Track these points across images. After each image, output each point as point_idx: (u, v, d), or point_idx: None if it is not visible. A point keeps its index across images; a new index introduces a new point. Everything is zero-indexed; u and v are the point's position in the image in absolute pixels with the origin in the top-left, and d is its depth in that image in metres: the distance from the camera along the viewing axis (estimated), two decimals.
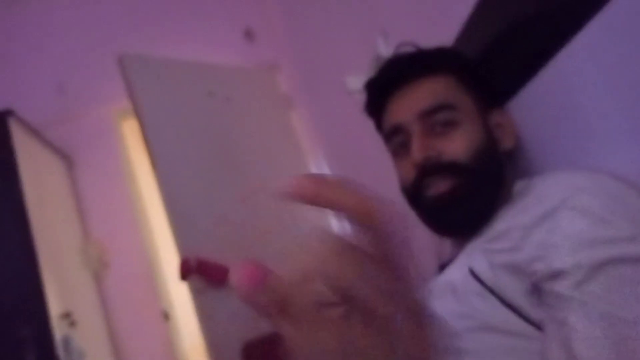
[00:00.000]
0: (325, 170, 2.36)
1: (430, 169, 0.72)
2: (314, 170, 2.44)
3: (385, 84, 0.80)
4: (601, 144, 0.65)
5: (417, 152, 0.72)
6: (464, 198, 0.70)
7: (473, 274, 0.63)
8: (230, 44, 2.86)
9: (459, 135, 0.72)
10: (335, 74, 1.79)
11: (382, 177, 1.01)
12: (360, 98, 0.88)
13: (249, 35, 2.85)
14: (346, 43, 1.65)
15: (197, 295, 1.76)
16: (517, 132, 0.79)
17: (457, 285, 0.65)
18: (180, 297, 2.49)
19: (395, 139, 0.77)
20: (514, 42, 0.77)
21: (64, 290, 2.13)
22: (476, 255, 0.65)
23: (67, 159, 2.64)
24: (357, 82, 1.32)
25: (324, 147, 2.35)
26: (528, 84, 0.75)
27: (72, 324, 2.07)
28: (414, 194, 0.76)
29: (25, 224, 1.99)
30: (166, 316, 2.49)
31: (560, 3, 0.65)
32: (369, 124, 0.88)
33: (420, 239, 0.90)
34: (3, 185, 2.02)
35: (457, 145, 0.72)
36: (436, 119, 0.73)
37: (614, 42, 0.57)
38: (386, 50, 1.21)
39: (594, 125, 0.65)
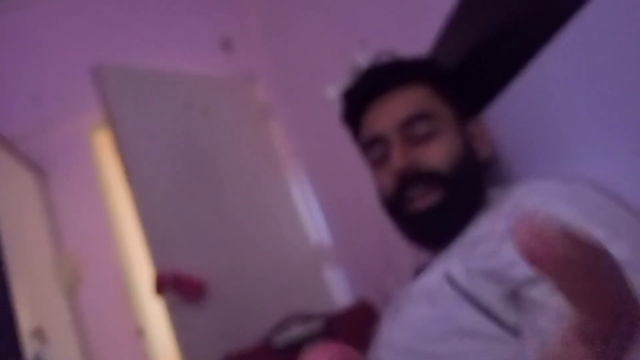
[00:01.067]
0: (303, 180, 2.35)
1: (410, 178, 0.72)
2: (291, 182, 2.43)
3: (363, 94, 0.80)
4: (576, 151, 0.65)
5: (398, 160, 0.72)
6: (445, 210, 0.71)
7: (448, 278, 0.62)
8: (207, 54, 2.83)
9: (438, 144, 0.73)
10: (314, 84, 1.79)
11: (361, 188, 1.00)
12: (339, 108, 0.87)
13: (226, 45, 2.83)
14: (324, 52, 1.65)
15: (172, 310, 1.72)
16: (493, 141, 0.79)
17: (432, 290, 0.65)
18: (154, 312, 2.43)
19: (374, 148, 0.77)
20: (489, 51, 0.77)
21: (35, 305, 2.07)
22: (452, 260, 0.64)
23: (40, 171, 2.57)
24: (335, 91, 1.32)
25: (303, 158, 2.34)
26: (503, 92, 0.75)
27: (44, 340, 2.00)
28: (394, 204, 0.75)
29: None
30: (141, 332, 2.43)
31: (532, 13, 0.65)
32: (348, 134, 0.88)
33: (398, 244, 0.89)
34: None
35: (436, 155, 0.72)
36: (415, 129, 0.73)
37: (587, 51, 0.57)
38: (364, 60, 1.21)
39: (568, 133, 0.65)
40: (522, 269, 0.53)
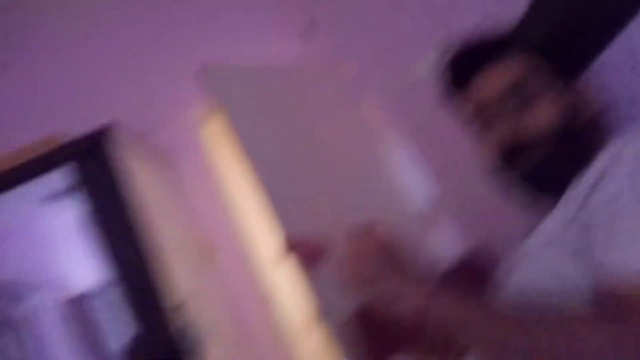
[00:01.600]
0: (401, 151, 2.44)
1: (514, 146, 0.78)
2: (389, 152, 2.53)
3: (463, 67, 0.86)
4: None
5: (502, 130, 0.79)
6: (556, 159, 0.76)
7: (570, 221, 0.67)
8: (294, 38, 2.96)
9: (541, 111, 0.78)
10: (403, 59, 1.85)
11: (461, 153, 1.05)
12: (429, 82, 0.94)
13: (311, 26, 2.94)
14: (409, 29, 1.70)
15: (299, 273, 1.89)
16: (597, 101, 0.82)
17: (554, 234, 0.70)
18: (282, 280, 2.67)
19: (478, 116, 0.84)
20: (585, 14, 0.81)
21: (179, 280, 2.37)
22: (570, 206, 0.69)
23: (165, 163, 2.88)
24: (426, 66, 1.37)
25: (397, 130, 2.42)
26: (603, 55, 0.79)
27: (188, 312, 2.29)
28: (502, 170, 0.82)
29: (141, 219, 2.27)
30: (268, 299, 2.68)
31: None
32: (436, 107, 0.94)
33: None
34: (118, 195, 2.29)
35: (540, 121, 0.77)
36: (517, 97, 0.79)
37: None
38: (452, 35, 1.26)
39: None
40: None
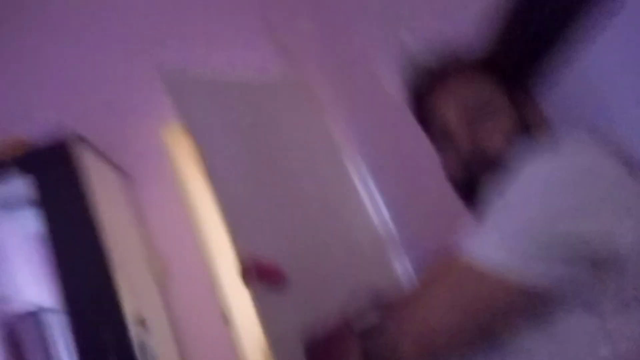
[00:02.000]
0: (365, 169, 2.43)
1: (474, 160, 0.80)
2: (355, 171, 2.51)
3: (425, 84, 0.88)
4: (619, 115, 0.69)
5: (461, 145, 0.81)
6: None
7: None
8: (262, 53, 2.96)
9: (497, 127, 0.81)
10: (370, 72, 1.85)
11: (421, 168, 1.06)
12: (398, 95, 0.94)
13: (279, 42, 2.95)
14: (375, 40, 1.71)
15: (256, 296, 1.85)
16: (547, 118, 0.85)
17: None
18: (239, 301, 2.60)
19: (440, 134, 0.85)
20: (542, 36, 0.82)
21: (135, 299, 2.28)
22: None
23: (126, 175, 2.81)
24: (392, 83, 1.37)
25: (364, 147, 2.42)
26: (557, 77, 0.80)
27: (145, 329, 2.21)
28: (461, 183, 0.84)
29: (99, 238, 2.18)
30: (226, 320, 2.61)
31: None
32: (402, 117, 0.94)
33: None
34: (77, 206, 2.20)
35: (496, 137, 0.80)
36: (475, 114, 0.81)
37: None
38: (414, 44, 1.26)
39: (613, 99, 0.70)
40: None
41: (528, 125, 0.81)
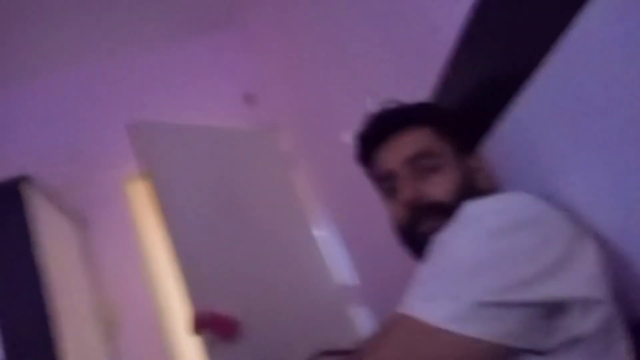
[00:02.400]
0: (328, 224, 2.45)
1: (418, 208, 0.82)
2: (317, 225, 2.53)
3: (374, 136, 0.91)
4: (559, 177, 0.74)
5: (407, 193, 0.83)
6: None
7: None
8: (230, 107, 3.01)
9: (441, 178, 0.83)
10: (332, 131, 1.92)
11: (383, 228, 1.08)
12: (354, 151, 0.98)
13: (248, 98, 3.02)
14: (341, 102, 1.79)
15: (209, 349, 1.80)
16: (492, 172, 0.89)
17: None
18: (191, 352, 2.51)
19: (385, 183, 0.88)
20: (481, 94, 0.89)
21: (80, 348, 2.17)
22: None
23: (80, 221, 2.74)
24: (351, 137, 1.43)
25: (327, 202, 2.45)
26: (496, 129, 0.86)
27: None
28: (405, 231, 0.85)
29: (43, 287, 2.07)
30: None
31: (513, 59, 0.77)
32: (363, 177, 0.98)
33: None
34: (22, 249, 2.11)
35: (440, 187, 0.82)
36: (420, 165, 0.84)
37: (564, 86, 0.68)
38: (374, 107, 1.33)
39: (549, 158, 0.75)
40: None
41: (471, 179, 0.84)
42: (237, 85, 3.04)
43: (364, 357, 0.63)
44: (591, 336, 0.58)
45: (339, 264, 2.43)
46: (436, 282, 0.62)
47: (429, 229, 0.80)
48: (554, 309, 0.58)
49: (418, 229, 0.82)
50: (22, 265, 2.11)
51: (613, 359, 0.61)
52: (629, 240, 0.65)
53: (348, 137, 1.54)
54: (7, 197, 2.20)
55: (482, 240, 0.62)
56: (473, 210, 0.67)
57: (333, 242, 2.44)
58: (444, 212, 0.79)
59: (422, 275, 0.66)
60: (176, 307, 2.59)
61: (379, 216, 1.32)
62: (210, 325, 1.80)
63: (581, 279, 0.59)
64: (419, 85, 1.09)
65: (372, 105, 1.37)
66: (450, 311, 0.57)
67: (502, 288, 0.57)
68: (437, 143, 0.85)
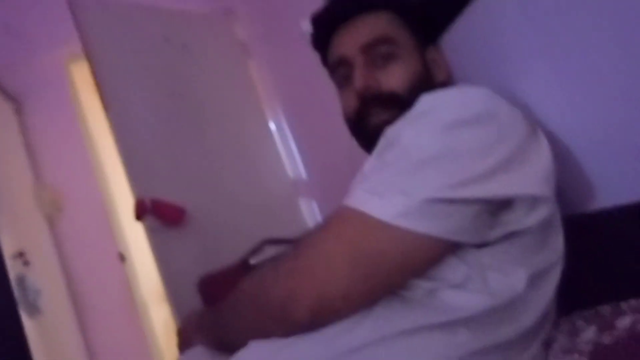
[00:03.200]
0: (281, 117, 2.41)
1: (370, 98, 0.78)
2: (269, 118, 2.48)
3: (330, 20, 0.85)
4: (517, 69, 0.72)
5: (359, 81, 0.78)
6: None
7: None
8: None
9: (398, 67, 0.79)
10: (292, 20, 1.82)
11: (335, 124, 1.06)
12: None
13: None
14: None
15: (153, 235, 1.80)
16: (449, 67, 0.86)
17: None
18: (136, 238, 2.52)
19: (339, 71, 0.84)
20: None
21: (17, 231, 2.14)
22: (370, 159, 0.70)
23: (17, 102, 2.58)
24: (310, 24, 1.36)
25: (281, 95, 2.39)
26: (457, 21, 0.81)
27: (26, 263, 2.09)
28: (356, 121, 0.82)
29: None
30: (122, 257, 2.53)
31: None
32: (324, 72, 0.93)
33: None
34: None
35: (396, 77, 0.78)
36: (377, 52, 0.79)
37: None
38: None
39: (512, 53, 0.73)
40: None
41: (428, 71, 0.81)
42: None
43: (306, 249, 0.59)
44: (531, 230, 0.59)
45: (290, 158, 2.42)
46: (385, 176, 0.58)
47: (380, 121, 0.76)
48: (501, 205, 0.57)
49: (369, 120, 0.79)
50: None
51: (548, 251, 0.61)
52: (575, 139, 0.65)
53: (306, 26, 1.47)
54: None
55: (435, 134, 0.58)
56: (428, 102, 0.63)
57: (285, 135, 2.41)
58: (397, 103, 0.77)
59: (370, 168, 0.63)
60: (121, 193, 2.56)
61: (331, 114, 1.29)
62: (153, 211, 1.79)
63: (533, 176, 0.58)
64: None
65: None
66: (399, 206, 0.54)
67: (453, 184, 0.55)
68: (397, 30, 0.80)
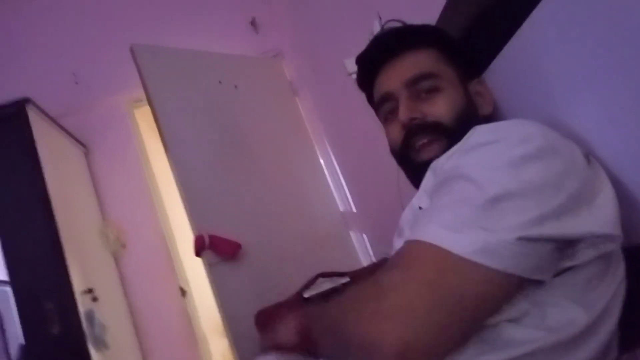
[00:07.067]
0: (329, 152, 2.46)
1: (415, 129, 0.80)
2: (318, 154, 2.54)
3: (374, 58, 0.88)
4: (563, 100, 0.73)
5: (404, 114, 0.80)
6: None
7: (418, 208, 0.71)
8: (236, 34, 2.95)
9: (442, 99, 0.80)
10: (337, 60, 1.88)
11: (382, 158, 1.07)
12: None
13: (253, 25, 2.94)
14: (346, 29, 1.73)
15: (212, 270, 1.86)
16: (494, 99, 0.87)
17: (409, 220, 0.75)
18: (195, 273, 2.61)
19: (385, 106, 0.86)
20: (487, 18, 0.85)
21: (85, 268, 2.25)
22: (422, 194, 0.72)
23: (83, 146, 2.75)
24: (354, 64, 1.40)
25: (329, 131, 2.44)
26: (500, 54, 0.83)
27: (95, 299, 2.19)
28: (402, 154, 0.83)
29: (48, 207, 2.11)
30: (183, 292, 2.61)
31: None
32: (369, 109, 0.95)
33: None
34: (25, 171, 2.13)
35: (441, 108, 0.80)
36: (421, 86, 0.81)
37: (571, 10, 0.65)
38: (379, 31, 1.29)
39: (556, 84, 0.73)
40: None
41: (475, 103, 0.82)
42: (243, 12, 2.96)
43: (388, 291, 0.55)
44: (592, 263, 0.58)
45: (339, 192, 2.46)
46: (460, 211, 0.56)
47: (428, 153, 0.78)
48: (569, 241, 0.56)
49: (416, 152, 0.80)
50: (28, 185, 2.14)
51: (609, 284, 0.60)
52: (629, 170, 0.64)
53: (350, 64, 1.51)
54: (11, 118, 2.20)
55: (505, 168, 0.57)
56: (484, 134, 0.62)
57: (333, 170, 2.46)
58: (442, 132, 0.78)
59: (441, 203, 0.60)
60: (181, 230, 2.66)
61: (377, 144, 1.31)
62: (211, 246, 1.86)
63: (606, 212, 0.56)
64: (426, 8, 1.04)
65: (377, 29, 1.34)
66: (479, 243, 0.53)
67: (531, 222, 0.53)
68: (440, 66, 0.82)
